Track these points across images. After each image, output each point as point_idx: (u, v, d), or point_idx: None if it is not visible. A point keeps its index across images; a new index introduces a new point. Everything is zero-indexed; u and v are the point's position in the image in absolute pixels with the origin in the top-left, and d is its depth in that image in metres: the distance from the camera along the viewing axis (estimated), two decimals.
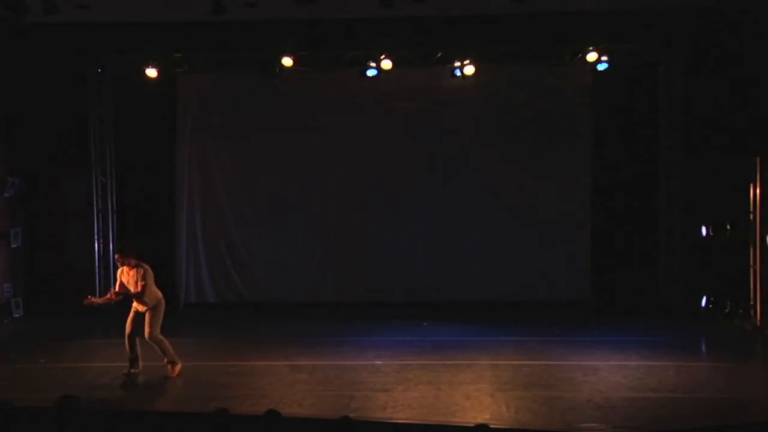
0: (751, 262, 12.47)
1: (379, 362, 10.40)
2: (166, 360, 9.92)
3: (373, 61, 13.95)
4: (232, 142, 14.96)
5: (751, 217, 12.44)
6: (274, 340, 12.05)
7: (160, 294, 9.98)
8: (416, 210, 14.73)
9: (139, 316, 9.84)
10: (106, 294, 9.80)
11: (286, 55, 13.91)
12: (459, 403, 8.65)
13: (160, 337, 9.86)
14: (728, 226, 12.87)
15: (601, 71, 14.02)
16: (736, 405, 8.67)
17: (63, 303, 14.22)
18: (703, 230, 13.20)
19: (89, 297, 9.77)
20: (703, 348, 11.88)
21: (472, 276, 14.55)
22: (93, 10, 12.42)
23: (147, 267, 9.80)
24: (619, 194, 14.56)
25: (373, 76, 14.10)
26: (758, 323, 12.24)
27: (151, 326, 9.75)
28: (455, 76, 14.15)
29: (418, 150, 14.65)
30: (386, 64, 13.90)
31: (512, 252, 14.57)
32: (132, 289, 9.70)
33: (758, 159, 12.22)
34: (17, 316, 14.03)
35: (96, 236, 14.80)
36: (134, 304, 9.88)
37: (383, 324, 13.12)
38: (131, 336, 9.84)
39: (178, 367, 9.91)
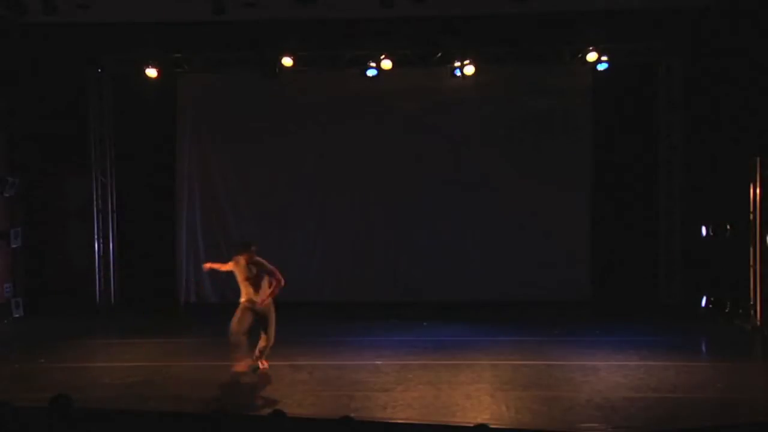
0: (751, 262, 12.45)
1: (379, 362, 10.40)
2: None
3: (373, 61, 13.97)
4: (232, 141, 14.97)
5: (751, 217, 12.44)
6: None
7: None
8: (416, 210, 14.74)
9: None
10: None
11: (286, 55, 13.92)
12: (459, 403, 8.65)
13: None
14: (728, 226, 12.86)
15: (601, 71, 14.04)
16: (736, 405, 8.66)
17: (63, 303, 14.28)
18: (703, 230, 13.20)
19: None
20: (703, 348, 11.88)
21: (472, 276, 14.55)
22: (93, 10, 12.43)
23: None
24: (619, 194, 14.57)
25: (373, 76, 14.11)
26: (758, 323, 12.23)
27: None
28: (455, 76, 14.17)
29: (418, 150, 14.66)
30: (386, 64, 13.91)
31: (512, 252, 14.57)
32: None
33: (758, 159, 12.21)
34: (17, 316, 14.04)
35: (96, 236, 14.81)
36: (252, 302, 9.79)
37: (383, 324, 13.11)
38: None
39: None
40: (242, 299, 9.84)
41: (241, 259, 9.84)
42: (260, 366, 9.94)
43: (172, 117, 15.01)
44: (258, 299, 9.74)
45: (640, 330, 12.43)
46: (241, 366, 9.71)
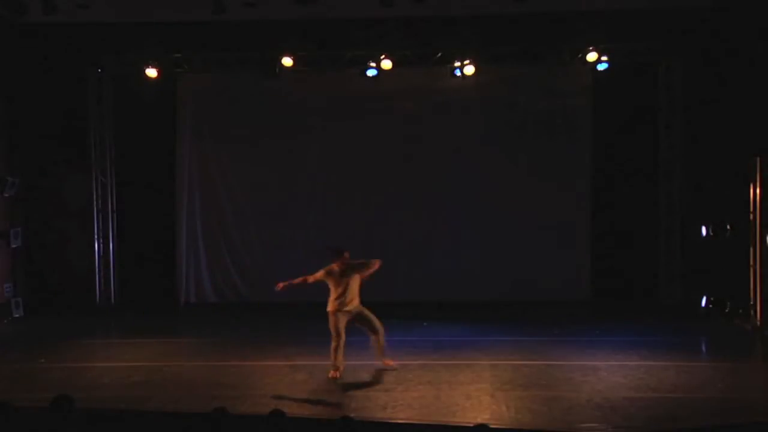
0: (751, 262, 12.46)
1: (379, 362, 10.39)
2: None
3: (373, 61, 13.97)
4: (232, 141, 14.98)
5: (751, 217, 12.44)
6: (274, 340, 12.05)
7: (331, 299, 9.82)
8: (416, 210, 14.73)
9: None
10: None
11: (286, 55, 13.93)
12: (459, 403, 8.64)
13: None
14: (728, 226, 12.86)
15: (601, 71, 14.05)
16: (736, 405, 8.66)
17: (63, 303, 14.28)
18: (703, 230, 13.19)
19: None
20: (703, 348, 11.87)
21: (472, 276, 14.54)
22: (93, 10, 12.44)
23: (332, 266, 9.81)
24: (619, 194, 14.58)
25: (373, 76, 14.12)
26: (758, 323, 12.23)
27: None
28: (455, 76, 14.18)
29: (418, 150, 14.67)
30: (386, 64, 13.91)
31: (512, 252, 14.58)
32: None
33: (758, 159, 12.21)
34: (17, 316, 14.03)
35: (96, 236, 14.82)
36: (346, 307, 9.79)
37: (383, 324, 13.07)
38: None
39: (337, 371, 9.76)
40: (336, 307, 9.78)
41: (335, 267, 9.79)
42: (388, 364, 9.90)
43: (172, 117, 15.01)
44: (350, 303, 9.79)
45: (640, 330, 12.42)
46: (335, 373, 9.69)
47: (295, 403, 8.61)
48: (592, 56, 13.81)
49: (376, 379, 9.61)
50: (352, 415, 7.59)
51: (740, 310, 12.75)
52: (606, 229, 14.61)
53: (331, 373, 9.70)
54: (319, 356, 10.77)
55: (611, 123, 14.52)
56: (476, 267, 14.59)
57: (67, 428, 6.03)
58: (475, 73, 14.06)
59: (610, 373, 9.79)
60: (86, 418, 6.68)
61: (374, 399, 8.81)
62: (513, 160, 14.63)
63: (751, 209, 12.43)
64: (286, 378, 9.80)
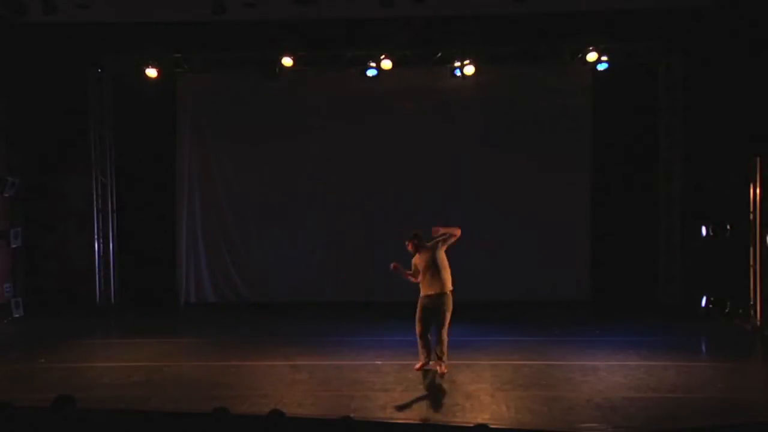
0: (751, 262, 12.46)
1: (379, 362, 10.40)
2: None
3: (373, 61, 13.98)
4: (232, 142, 14.98)
5: (751, 217, 12.44)
6: (274, 340, 12.05)
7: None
8: (416, 210, 14.71)
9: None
10: None
11: (286, 55, 13.94)
12: (459, 403, 8.64)
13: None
14: (728, 226, 12.86)
15: (601, 71, 14.05)
16: (736, 405, 8.66)
17: (63, 303, 14.29)
18: (703, 230, 13.19)
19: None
20: (703, 348, 11.87)
21: (472, 276, 14.45)
22: (93, 10, 12.45)
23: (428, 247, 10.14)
24: (619, 194, 14.58)
25: (373, 76, 14.13)
26: (758, 323, 12.23)
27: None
28: (455, 76, 14.19)
29: (418, 150, 14.66)
30: (386, 64, 13.92)
31: (512, 252, 14.58)
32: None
33: (758, 159, 12.22)
34: (17, 316, 14.03)
35: (96, 236, 14.82)
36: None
37: (383, 324, 13.11)
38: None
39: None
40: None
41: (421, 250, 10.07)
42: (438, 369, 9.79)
43: (172, 117, 15.01)
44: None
45: (640, 330, 12.43)
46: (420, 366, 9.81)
47: (295, 403, 8.60)
48: (592, 56, 13.82)
49: (376, 379, 9.60)
50: (352, 415, 7.59)
51: (740, 310, 12.75)
52: (606, 229, 14.60)
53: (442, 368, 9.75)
54: (319, 356, 10.79)
55: (611, 123, 14.51)
56: (476, 267, 14.52)
57: (68, 428, 6.03)
58: (475, 73, 14.07)
59: (610, 373, 9.79)
60: (86, 418, 6.68)
61: (374, 399, 8.81)
62: (513, 160, 14.62)
63: (751, 209, 12.43)
64: (286, 378, 9.79)
